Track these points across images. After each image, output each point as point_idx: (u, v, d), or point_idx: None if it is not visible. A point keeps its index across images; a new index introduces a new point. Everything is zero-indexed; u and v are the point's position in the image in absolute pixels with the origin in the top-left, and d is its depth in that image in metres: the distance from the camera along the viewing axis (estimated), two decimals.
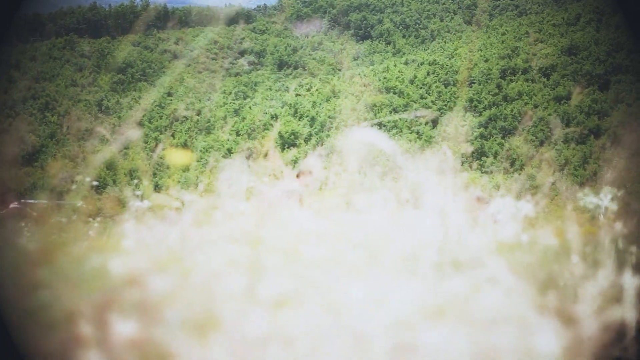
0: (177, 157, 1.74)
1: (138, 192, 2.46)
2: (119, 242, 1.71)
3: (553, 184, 2.60)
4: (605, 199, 2.57)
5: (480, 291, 1.23)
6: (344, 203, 1.67)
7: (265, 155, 2.18)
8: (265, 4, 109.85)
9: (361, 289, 1.22)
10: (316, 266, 1.28)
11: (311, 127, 68.45)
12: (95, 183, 2.56)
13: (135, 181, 2.58)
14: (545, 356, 1.15)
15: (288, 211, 1.51)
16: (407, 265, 1.30)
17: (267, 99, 78.22)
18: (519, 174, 2.83)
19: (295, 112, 71.52)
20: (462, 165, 2.06)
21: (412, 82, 75.30)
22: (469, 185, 2.05)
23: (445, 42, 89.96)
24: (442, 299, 1.20)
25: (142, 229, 1.68)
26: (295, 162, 2.31)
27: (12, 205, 1.73)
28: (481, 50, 78.32)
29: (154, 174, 2.48)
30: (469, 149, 2.27)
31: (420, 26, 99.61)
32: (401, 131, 61.87)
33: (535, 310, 1.22)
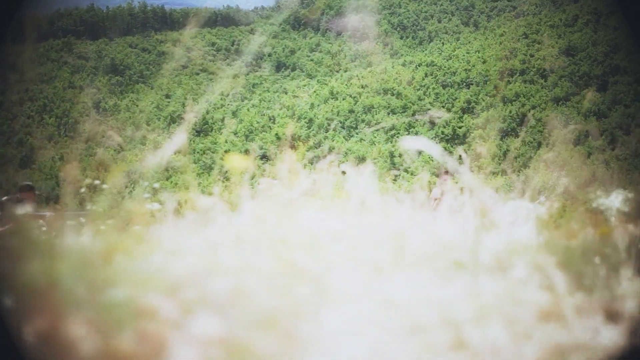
0: (235, 161, 1.77)
1: (146, 195, 2.46)
2: (137, 244, 1.71)
3: (556, 185, 2.60)
4: (616, 201, 2.57)
5: (515, 291, 1.24)
6: (368, 205, 1.67)
7: (279, 155, 2.18)
8: (262, 5, 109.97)
9: (411, 287, 1.23)
10: (363, 266, 1.29)
11: (309, 128, 68.45)
12: (105, 186, 2.55)
13: (146, 183, 2.58)
14: (585, 352, 1.16)
15: (313, 212, 1.51)
16: (430, 265, 1.30)
17: (264, 101, 78.23)
18: (517, 176, 2.83)
19: (293, 113, 71.54)
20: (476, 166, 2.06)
21: (409, 83, 75.37)
22: (482, 187, 2.05)
23: (443, 43, 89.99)
24: (483, 299, 1.21)
25: (161, 230, 1.68)
26: (311, 162, 2.31)
27: (47, 215, 1.73)
28: (479, 51, 78.45)
29: (157, 177, 2.47)
30: (482, 150, 2.27)
31: (418, 27, 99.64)
32: (399, 133, 61.87)
33: (571, 309, 1.22)
